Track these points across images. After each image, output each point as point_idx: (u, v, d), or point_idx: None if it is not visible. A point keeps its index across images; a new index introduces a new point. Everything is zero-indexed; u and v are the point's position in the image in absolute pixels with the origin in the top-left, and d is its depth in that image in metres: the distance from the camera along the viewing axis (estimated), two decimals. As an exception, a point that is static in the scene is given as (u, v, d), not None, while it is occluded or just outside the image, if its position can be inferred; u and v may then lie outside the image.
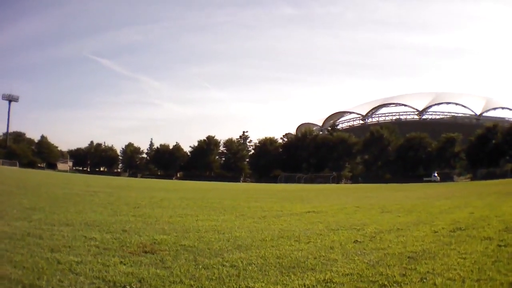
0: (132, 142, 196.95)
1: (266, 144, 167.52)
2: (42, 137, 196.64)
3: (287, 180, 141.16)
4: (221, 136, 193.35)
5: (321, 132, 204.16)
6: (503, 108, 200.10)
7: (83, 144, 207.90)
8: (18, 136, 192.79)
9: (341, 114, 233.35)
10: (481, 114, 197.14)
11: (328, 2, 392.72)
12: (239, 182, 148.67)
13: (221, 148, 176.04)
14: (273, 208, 14.67)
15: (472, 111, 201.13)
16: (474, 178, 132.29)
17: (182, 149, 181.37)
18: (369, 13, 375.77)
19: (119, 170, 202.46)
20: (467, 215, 12.00)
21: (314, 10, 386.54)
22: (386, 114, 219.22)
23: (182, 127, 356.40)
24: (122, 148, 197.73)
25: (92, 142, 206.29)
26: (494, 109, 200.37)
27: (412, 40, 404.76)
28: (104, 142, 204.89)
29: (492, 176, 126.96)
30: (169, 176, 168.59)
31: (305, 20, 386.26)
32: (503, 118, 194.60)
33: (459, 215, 12.21)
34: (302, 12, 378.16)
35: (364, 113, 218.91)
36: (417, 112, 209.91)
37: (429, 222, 9.97)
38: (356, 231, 9.29)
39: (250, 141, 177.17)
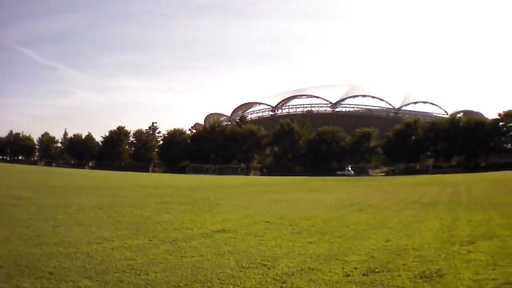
0: (48, 132, 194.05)
1: (175, 135, 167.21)
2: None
3: (196, 171, 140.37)
4: (134, 126, 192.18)
5: (228, 123, 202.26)
6: (424, 102, 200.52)
7: (4, 133, 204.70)
8: None
9: (250, 105, 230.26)
10: (399, 108, 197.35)
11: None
12: (148, 172, 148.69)
13: (131, 139, 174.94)
14: (183, 224, 14.08)
15: (390, 104, 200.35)
16: (392, 173, 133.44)
17: (94, 139, 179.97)
18: (284, 3, 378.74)
19: (35, 159, 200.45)
20: (382, 243, 11.34)
21: (230, 0, 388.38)
22: (297, 106, 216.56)
23: (98, 115, 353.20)
24: (39, 138, 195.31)
25: (11, 131, 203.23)
26: (415, 103, 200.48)
27: (326, 30, 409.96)
28: (22, 132, 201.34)
29: (411, 171, 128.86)
30: (82, 165, 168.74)
31: (220, 10, 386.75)
32: (426, 112, 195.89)
33: (374, 243, 11.41)
34: (218, 1, 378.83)
35: (274, 105, 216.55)
36: (330, 105, 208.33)
37: (342, 256, 9.46)
38: (267, 270, 9.00)
39: (159, 132, 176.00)
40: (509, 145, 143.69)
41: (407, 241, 11.40)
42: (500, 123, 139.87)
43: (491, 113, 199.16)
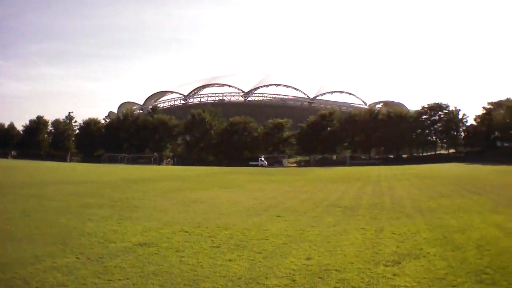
0: None
1: (90, 125, 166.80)
2: None
3: (111, 160, 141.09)
4: (56, 115, 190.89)
5: (141, 111, 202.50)
6: (341, 92, 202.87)
7: None
8: None
9: (163, 93, 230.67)
10: (315, 97, 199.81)
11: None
12: (67, 161, 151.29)
13: (50, 128, 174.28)
14: (106, 235, 13.59)
15: (305, 94, 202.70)
16: (308, 164, 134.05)
17: (16, 128, 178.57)
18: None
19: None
20: (303, 262, 11.05)
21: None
22: (209, 95, 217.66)
23: (20, 104, 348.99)
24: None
25: None
26: (331, 92, 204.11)
27: (241, 16, 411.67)
28: None
29: (328, 162, 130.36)
30: (5, 155, 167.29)
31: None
32: (342, 102, 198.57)
33: (295, 262, 10.93)
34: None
35: (186, 93, 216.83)
36: (242, 94, 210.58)
37: (263, 280, 9.07)
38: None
39: (75, 121, 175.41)
40: (433, 137, 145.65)
41: (329, 259, 11.17)
42: (424, 116, 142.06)
43: (413, 104, 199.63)
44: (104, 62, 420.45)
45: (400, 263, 10.77)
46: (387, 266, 10.53)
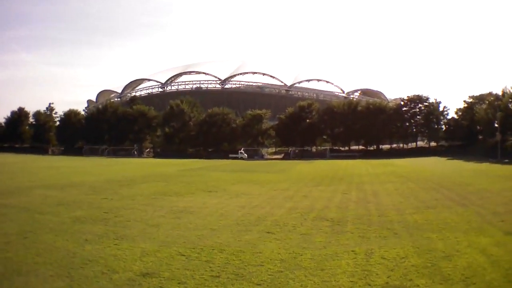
0: None
1: (70, 116, 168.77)
2: None
3: (92, 153, 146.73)
4: (34, 103, 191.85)
5: (118, 99, 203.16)
6: (319, 80, 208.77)
7: None
8: None
9: (140, 81, 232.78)
10: (292, 85, 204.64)
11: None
12: (48, 153, 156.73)
13: (31, 120, 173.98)
14: (108, 262, 13.69)
15: (282, 81, 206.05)
16: (288, 156, 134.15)
17: None
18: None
19: None
20: None
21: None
22: (186, 83, 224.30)
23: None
24: None
25: None
26: (308, 80, 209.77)
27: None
28: None
29: (308, 155, 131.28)
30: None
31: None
32: (320, 90, 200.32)
33: None
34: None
35: (163, 81, 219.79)
36: (219, 81, 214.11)
37: None
38: None
39: (56, 112, 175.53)
40: (414, 130, 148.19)
41: None
42: (404, 108, 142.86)
43: (392, 93, 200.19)
44: (81, 48, 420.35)
45: (391, 298, 10.83)
46: (379, 302, 10.56)
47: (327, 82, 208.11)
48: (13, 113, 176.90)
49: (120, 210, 25.09)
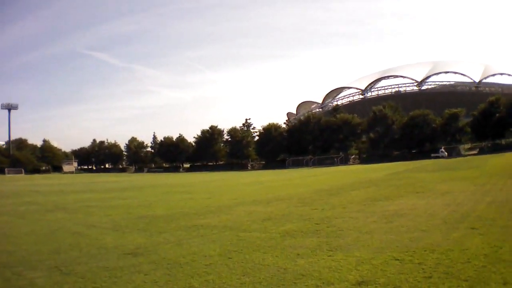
0: (135, 137, 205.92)
1: (270, 130, 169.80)
2: (45, 141, 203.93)
3: (295, 164, 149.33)
4: (222, 120, 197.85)
5: (320, 110, 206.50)
6: (501, 74, 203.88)
7: (87, 141, 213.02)
8: (21, 143, 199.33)
9: (340, 90, 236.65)
10: (480, 81, 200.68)
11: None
12: (247, 169, 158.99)
13: (225, 137, 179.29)
14: (322, 274, 13.49)
15: (471, 78, 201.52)
16: (482, 151, 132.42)
17: (186, 140, 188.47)
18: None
19: (124, 165, 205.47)
20: None
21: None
22: (385, 87, 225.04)
23: (182, 111, 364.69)
24: (126, 144, 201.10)
25: (94, 140, 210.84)
26: (493, 75, 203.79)
27: (401, 7, 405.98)
28: (107, 139, 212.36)
29: (499, 148, 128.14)
30: (176, 168, 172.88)
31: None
32: (503, 84, 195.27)
33: None
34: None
35: (363, 88, 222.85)
36: (416, 83, 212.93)
37: None
38: None
39: (254, 128, 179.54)
40: None
41: None
42: None
43: None
44: (267, 63, 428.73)
45: None
46: None
47: (509, 75, 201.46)
48: (204, 131, 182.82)
49: (332, 219, 24.56)
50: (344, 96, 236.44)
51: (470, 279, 11.82)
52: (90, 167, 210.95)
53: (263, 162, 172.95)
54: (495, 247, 15.06)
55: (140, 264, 16.36)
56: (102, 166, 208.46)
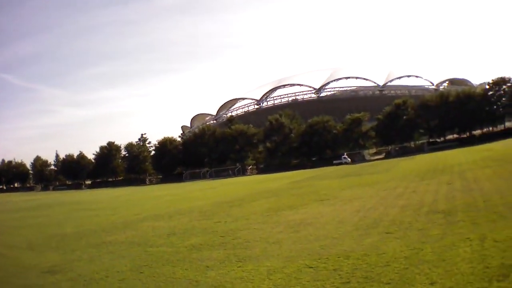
0: (40, 156, 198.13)
1: (166, 144, 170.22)
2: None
3: (193, 177, 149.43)
4: (122, 136, 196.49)
5: (214, 121, 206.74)
6: (409, 76, 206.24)
7: None
8: None
9: (234, 101, 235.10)
10: (384, 85, 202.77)
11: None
12: (146, 183, 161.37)
13: (123, 152, 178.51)
14: (235, 286, 13.68)
15: (375, 82, 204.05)
16: (389, 155, 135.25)
17: (86, 157, 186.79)
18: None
19: (31, 184, 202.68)
20: None
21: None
22: (282, 96, 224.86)
23: (83, 129, 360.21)
24: (31, 163, 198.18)
25: (3, 160, 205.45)
26: (399, 78, 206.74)
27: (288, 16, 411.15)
28: (14, 158, 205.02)
29: (408, 151, 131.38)
30: (78, 185, 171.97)
31: (188, 8, 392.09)
32: (411, 86, 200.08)
33: None
34: (183, 0, 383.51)
35: (258, 98, 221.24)
36: (314, 91, 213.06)
37: None
38: None
39: (149, 142, 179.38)
40: (501, 111, 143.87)
41: (450, 281, 11.27)
42: (490, 92, 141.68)
43: (476, 78, 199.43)
44: (161, 77, 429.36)
45: (508, 276, 10.89)
46: (499, 281, 10.67)
47: (417, 76, 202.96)
48: (102, 148, 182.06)
49: (236, 232, 24.27)
50: (239, 107, 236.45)
51: (393, 281, 11.90)
52: (1, 186, 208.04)
53: (161, 176, 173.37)
54: (416, 249, 15.22)
55: (59, 281, 16.42)
56: (12, 186, 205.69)
